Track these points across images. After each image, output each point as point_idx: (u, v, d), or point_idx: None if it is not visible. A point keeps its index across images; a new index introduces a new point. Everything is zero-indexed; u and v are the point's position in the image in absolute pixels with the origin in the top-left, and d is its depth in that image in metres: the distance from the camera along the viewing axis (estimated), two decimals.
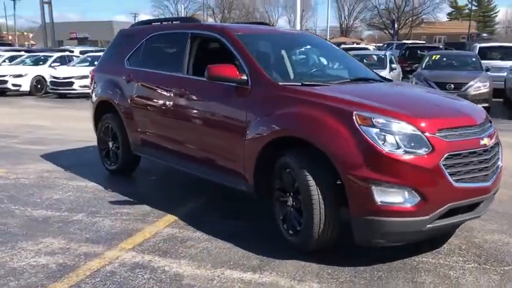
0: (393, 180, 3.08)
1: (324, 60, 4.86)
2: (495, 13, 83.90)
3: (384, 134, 3.13)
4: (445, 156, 3.14)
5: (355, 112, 3.22)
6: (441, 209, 3.16)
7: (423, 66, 12.61)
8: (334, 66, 4.79)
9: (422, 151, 3.11)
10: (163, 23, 5.46)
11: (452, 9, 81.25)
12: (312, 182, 3.29)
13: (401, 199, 3.10)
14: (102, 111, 5.75)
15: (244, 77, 3.93)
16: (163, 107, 4.73)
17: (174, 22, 5.28)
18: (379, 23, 59.71)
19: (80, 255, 3.50)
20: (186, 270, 3.28)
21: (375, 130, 3.13)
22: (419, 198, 3.10)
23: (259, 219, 4.28)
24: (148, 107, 4.96)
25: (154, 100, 4.88)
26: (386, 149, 3.08)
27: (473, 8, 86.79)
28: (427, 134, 3.15)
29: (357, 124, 3.17)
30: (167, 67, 4.84)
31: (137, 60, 5.27)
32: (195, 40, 4.67)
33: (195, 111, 4.41)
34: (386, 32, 58.92)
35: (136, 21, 6.31)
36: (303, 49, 4.99)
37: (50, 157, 6.66)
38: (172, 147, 4.74)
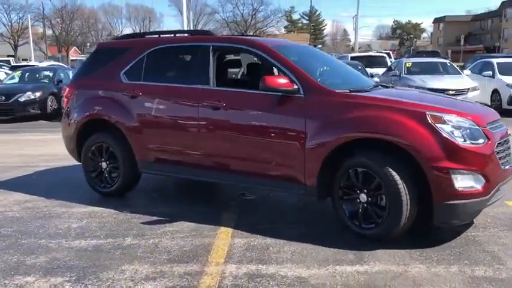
0: (467, 167, 3.65)
1: (335, 68, 5.26)
2: (323, 26, 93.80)
3: (453, 129, 3.69)
4: (496, 144, 3.83)
5: (427, 112, 3.73)
6: (496, 188, 3.84)
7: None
8: (346, 74, 5.22)
9: (482, 142, 3.74)
10: (161, 35, 5.32)
11: (288, 23, 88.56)
12: (397, 177, 3.70)
13: (472, 183, 3.69)
14: (89, 130, 5.37)
15: (296, 86, 4.18)
16: (190, 121, 4.68)
17: (178, 35, 5.20)
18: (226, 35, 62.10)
19: (183, 275, 3.39)
20: (301, 272, 3.42)
21: (447, 127, 3.68)
22: (484, 181, 3.72)
23: (304, 219, 4.54)
24: (168, 123, 4.83)
25: (177, 115, 4.78)
26: (459, 142, 3.65)
27: (306, 21, 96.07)
28: (481, 127, 3.80)
29: (431, 122, 3.68)
30: (186, 80, 4.79)
31: (140, 75, 5.06)
32: (218, 52, 4.72)
33: (236, 122, 4.47)
34: None
35: (122, 35, 6.00)
36: (321, 59, 5.33)
37: (7, 187, 5.90)
38: (203, 160, 4.69)
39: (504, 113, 9.19)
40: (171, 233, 4.23)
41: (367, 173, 3.88)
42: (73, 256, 3.76)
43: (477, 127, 3.78)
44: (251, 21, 59.49)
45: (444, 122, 3.70)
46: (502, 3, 63.46)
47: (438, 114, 3.74)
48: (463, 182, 3.66)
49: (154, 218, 4.63)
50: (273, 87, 4.14)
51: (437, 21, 78.54)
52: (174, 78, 4.94)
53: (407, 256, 3.66)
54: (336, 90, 4.17)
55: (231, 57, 5.41)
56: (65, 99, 5.65)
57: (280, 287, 3.21)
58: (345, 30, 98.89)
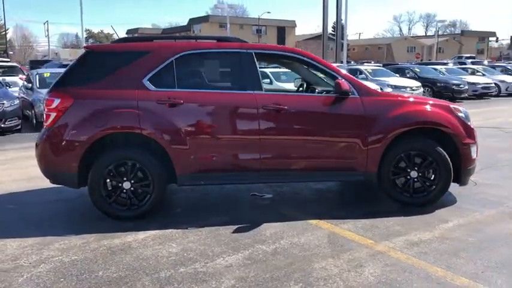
0: (474, 141, 5.22)
1: None
2: (4, 31, 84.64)
3: (463, 115, 5.21)
4: None
5: (450, 105, 5.14)
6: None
7: None
8: None
9: (470, 123, 5.38)
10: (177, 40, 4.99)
11: None
12: (445, 153, 4.96)
13: (474, 153, 5.27)
14: (101, 147, 4.62)
15: (350, 89, 4.93)
16: (250, 127, 4.75)
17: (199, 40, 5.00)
18: None
19: (374, 256, 3.80)
20: (433, 234, 4.29)
21: (462, 114, 5.18)
22: (476, 150, 5.37)
23: (350, 202, 5.31)
24: (224, 130, 4.73)
25: (234, 122, 4.74)
26: (469, 124, 5.19)
27: None
28: (467, 113, 5.45)
29: (455, 112, 5.10)
30: (234, 86, 4.84)
31: (173, 81, 4.70)
32: (263, 59, 4.93)
33: (300, 123, 4.83)
34: None
35: (119, 38, 5.05)
36: None
37: None
38: (263, 163, 4.79)
39: None
40: (279, 233, 4.34)
41: (418, 154, 4.99)
42: (252, 270, 3.57)
43: (467, 113, 5.40)
44: None
45: (460, 111, 5.18)
46: (190, 20, 71.51)
47: (454, 106, 5.20)
48: (473, 152, 5.21)
49: (234, 226, 4.52)
50: (345, 90, 4.77)
51: (130, 32, 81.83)
52: (216, 84, 4.86)
53: (458, 210, 4.98)
54: (380, 91, 5.11)
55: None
56: (55, 114, 4.57)
57: (443, 243, 4.06)
58: (25, 36, 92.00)
